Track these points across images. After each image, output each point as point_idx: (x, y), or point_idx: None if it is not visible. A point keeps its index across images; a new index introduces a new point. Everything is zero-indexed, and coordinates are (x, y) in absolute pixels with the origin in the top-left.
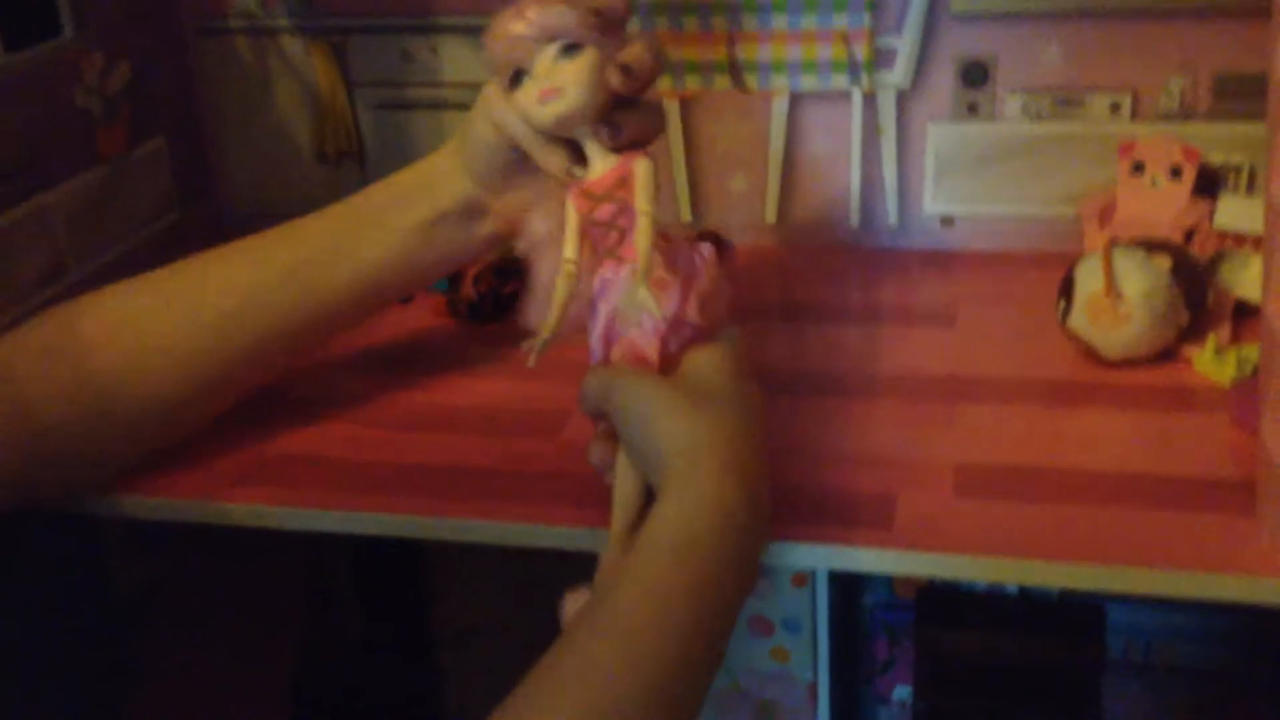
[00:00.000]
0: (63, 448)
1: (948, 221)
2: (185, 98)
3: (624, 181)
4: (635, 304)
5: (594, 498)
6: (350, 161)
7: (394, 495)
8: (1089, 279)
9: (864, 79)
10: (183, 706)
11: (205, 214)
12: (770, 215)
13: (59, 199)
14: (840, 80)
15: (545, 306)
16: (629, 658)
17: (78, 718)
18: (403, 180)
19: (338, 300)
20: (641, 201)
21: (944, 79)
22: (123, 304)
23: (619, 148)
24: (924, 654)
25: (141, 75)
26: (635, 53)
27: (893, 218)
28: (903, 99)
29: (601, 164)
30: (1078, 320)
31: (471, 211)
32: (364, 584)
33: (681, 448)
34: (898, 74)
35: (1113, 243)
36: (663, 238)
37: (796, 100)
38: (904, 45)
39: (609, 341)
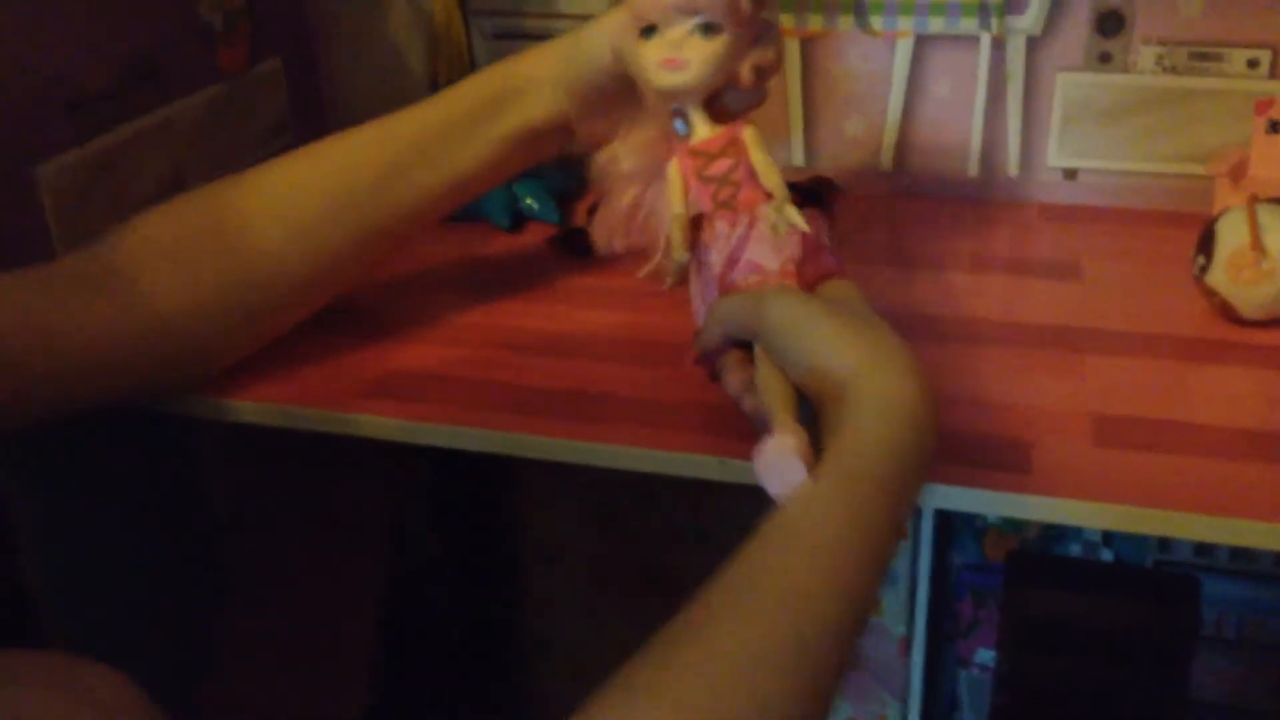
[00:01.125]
0: (176, 336)
1: (1071, 174)
2: (302, 19)
3: (734, 142)
4: (782, 221)
5: (722, 426)
6: None
7: (519, 415)
8: (1233, 234)
9: (994, 23)
10: (269, 620)
11: (317, 136)
12: (886, 162)
13: (181, 112)
14: (969, 24)
15: (616, 231)
16: (834, 588)
17: (167, 622)
18: (496, 82)
19: (428, 203)
20: (759, 153)
21: (1077, 27)
22: (225, 202)
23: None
24: (1011, 616)
25: None
26: (769, 57)
27: (1014, 168)
28: (1033, 46)
29: (705, 129)
30: (1218, 276)
31: (560, 128)
32: (452, 505)
33: (864, 361)
34: (1029, 19)
35: (1256, 199)
36: None
37: (922, 43)
38: None
39: (723, 285)
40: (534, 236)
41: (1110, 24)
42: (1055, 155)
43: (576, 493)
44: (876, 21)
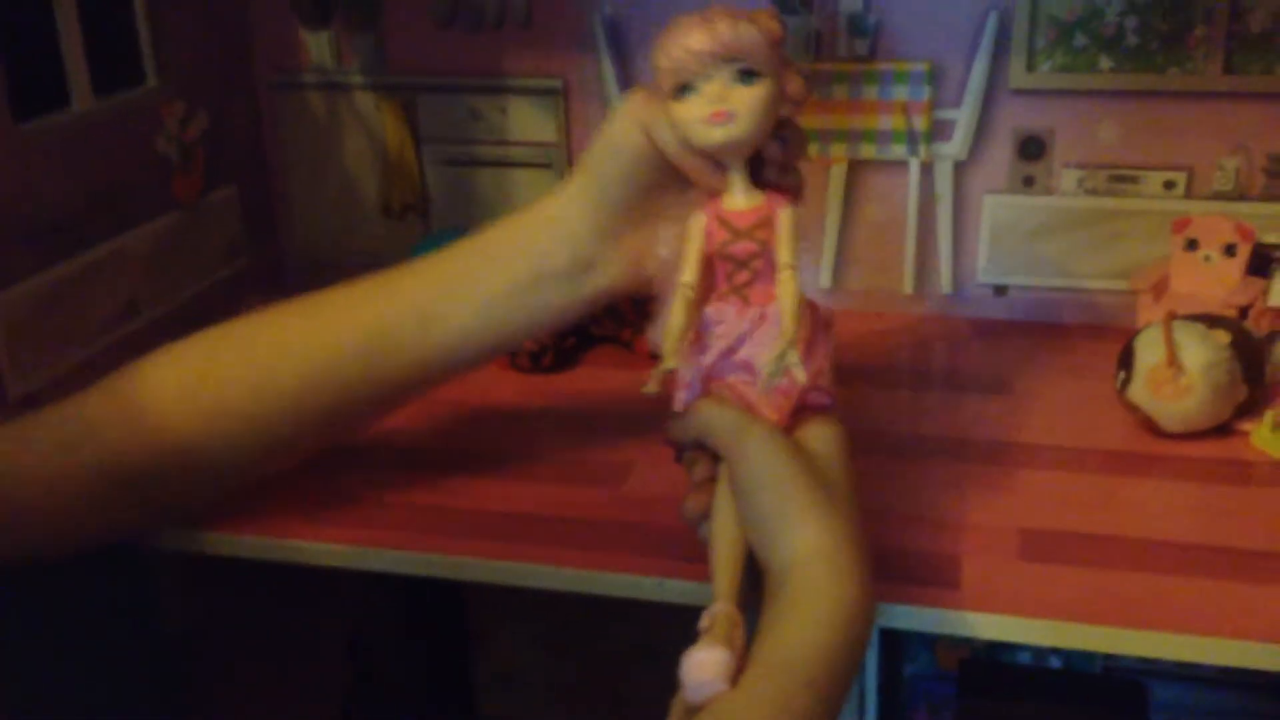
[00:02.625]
0: (148, 494)
1: (1001, 291)
2: (257, 148)
3: (766, 222)
4: (779, 365)
5: (657, 548)
6: (415, 215)
7: (460, 539)
8: (1150, 350)
9: (922, 149)
10: None
11: (269, 262)
12: (825, 280)
13: (137, 241)
14: (899, 150)
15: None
16: None
17: None
18: (503, 233)
19: (422, 368)
20: (786, 253)
21: (1001, 152)
22: (202, 367)
23: (767, 184)
24: None
25: (217, 124)
26: (798, 85)
27: (946, 286)
28: (960, 170)
29: (745, 198)
30: (1138, 391)
31: (580, 264)
32: (409, 626)
33: (815, 554)
34: (955, 145)
35: (1172, 316)
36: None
37: (855, 168)
38: (963, 118)
39: (710, 376)
40: None
41: (1032, 149)
42: (985, 273)
43: (532, 614)
44: (812, 149)
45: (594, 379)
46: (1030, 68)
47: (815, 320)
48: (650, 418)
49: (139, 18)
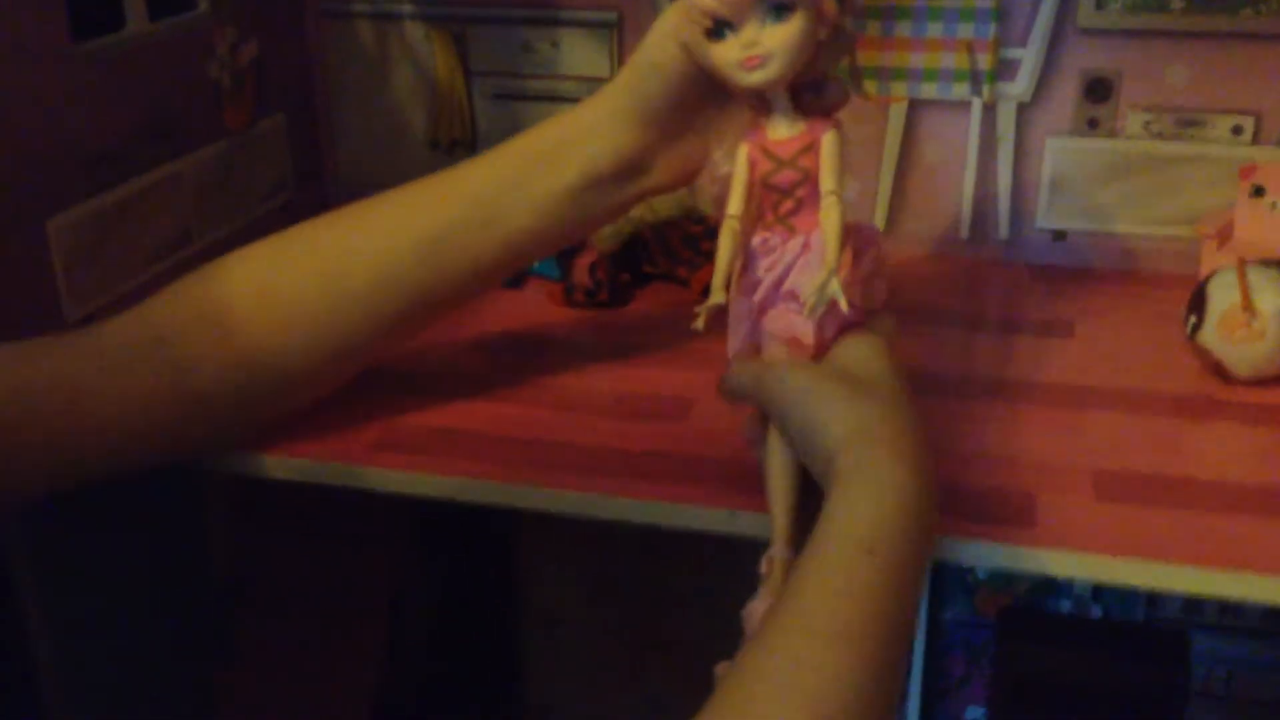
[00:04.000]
0: (215, 407)
1: (1060, 236)
2: (306, 77)
3: (809, 149)
4: (822, 293)
5: (725, 481)
6: (463, 150)
7: (523, 468)
8: (1224, 294)
9: (985, 89)
10: (271, 686)
11: (316, 194)
12: (880, 222)
13: (188, 167)
14: (961, 90)
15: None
16: (842, 658)
17: (167, 682)
18: (550, 136)
19: (483, 267)
20: (830, 179)
21: (1066, 93)
22: (273, 272)
23: (812, 111)
24: (1003, 672)
25: (267, 53)
26: (832, 5)
27: (1004, 230)
28: (1023, 111)
29: (788, 126)
30: (1209, 335)
31: (627, 169)
32: (451, 572)
33: (851, 436)
34: (1020, 85)
35: (1245, 260)
36: None
37: (915, 107)
38: (1028, 57)
39: (763, 309)
40: (534, 293)
41: (1098, 90)
42: (1044, 217)
43: (575, 557)
44: (871, 85)
45: (650, 316)
46: (1099, 6)
47: (861, 239)
48: (709, 355)
49: None
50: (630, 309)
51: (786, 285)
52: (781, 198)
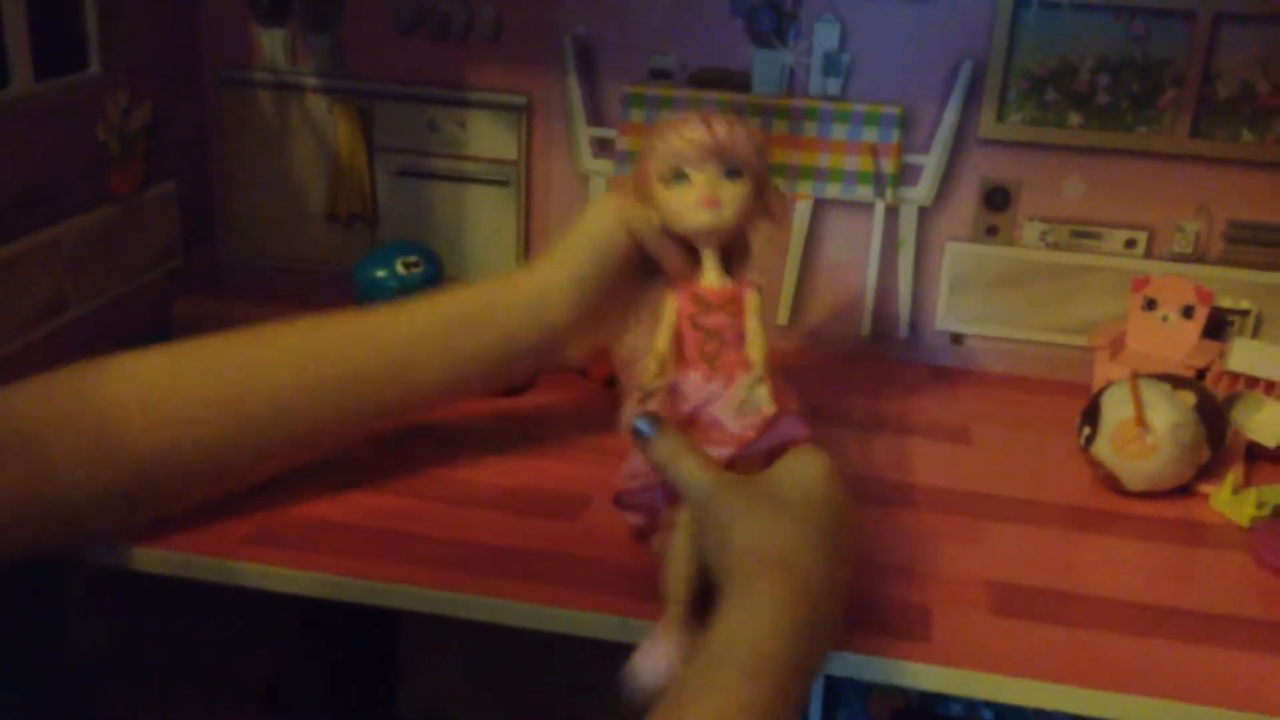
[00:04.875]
0: (83, 510)
1: (958, 339)
2: (201, 144)
3: (735, 300)
4: (750, 401)
5: (619, 585)
6: (361, 224)
7: (407, 566)
8: (1117, 407)
9: (889, 192)
10: None
11: (206, 263)
12: (782, 317)
13: (69, 232)
14: (865, 191)
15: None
16: None
17: None
18: (478, 300)
19: (385, 410)
20: (754, 321)
21: (967, 200)
22: (162, 383)
23: (734, 269)
24: None
25: (161, 117)
26: (779, 198)
27: (904, 330)
28: (924, 215)
29: (716, 277)
30: (1102, 448)
31: (546, 346)
32: (335, 664)
33: (747, 555)
34: (922, 190)
35: (1138, 374)
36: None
37: (820, 206)
38: (930, 163)
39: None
40: None
41: (997, 199)
42: (943, 319)
43: (459, 648)
44: (778, 184)
45: (547, 406)
46: (1001, 118)
47: (781, 376)
48: (607, 450)
49: (86, 2)
50: (527, 399)
51: (707, 413)
52: (707, 338)
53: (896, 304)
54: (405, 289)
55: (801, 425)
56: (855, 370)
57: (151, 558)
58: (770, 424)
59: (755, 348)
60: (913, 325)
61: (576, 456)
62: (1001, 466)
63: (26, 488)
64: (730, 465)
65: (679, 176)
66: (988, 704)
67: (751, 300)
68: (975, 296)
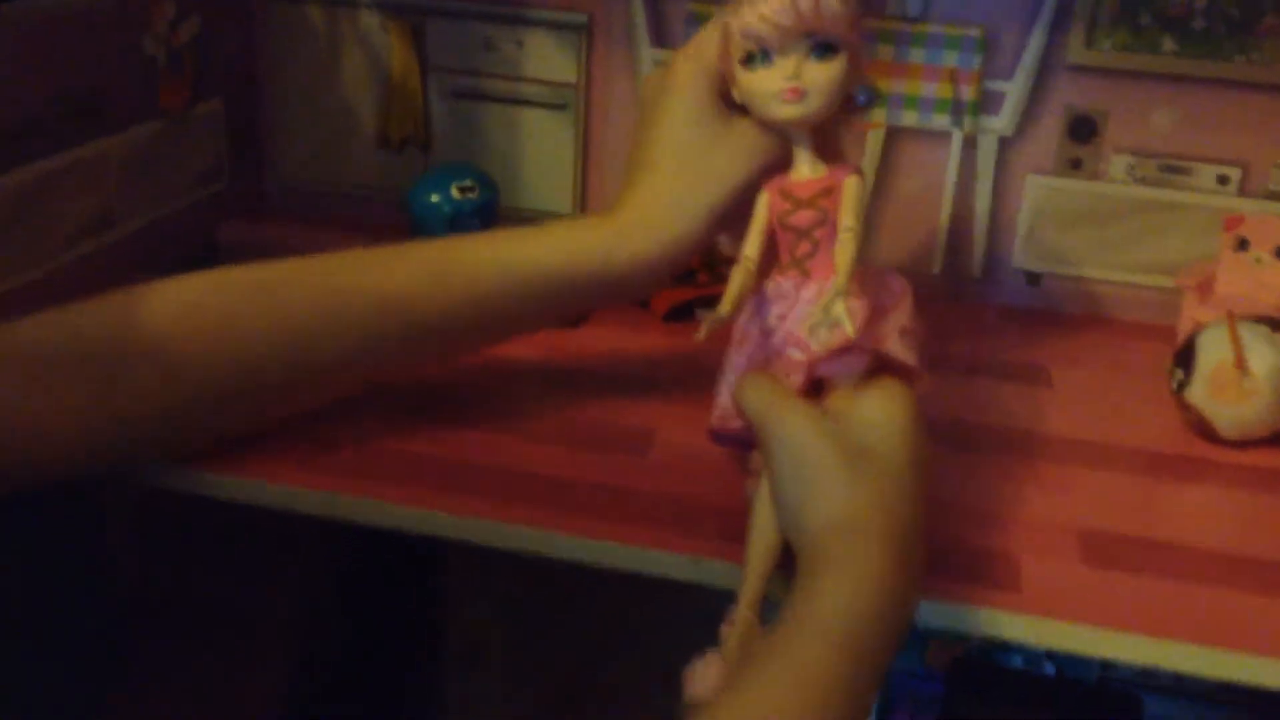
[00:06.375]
0: (145, 425)
1: (1034, 279)
2: (249, 62)
3: (829, 192)
4: (828, 318)
5: (689, 523)
6: (414, 149)
7: (463, 496)
8: (1215, 350)
9: (967, 121)
10: (171, 707)
11: (252, 186)
12: None
13: (116, 146)
14: (942, 119)
15: None
16: None
17: (66, 700)
18: (561, 262)
19: (447, 352)
20: (849, 217)
21: (1050, 131)
22: (207, 292)
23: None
24: None
25: (209, 32)
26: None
27: (977, 269)
28: (1004, 146)
29: (809, 169)
30: (1197, 392)
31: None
32: (369, 598)
33: (839, 521)
34: (1003, 120)
35: (1234, 316)
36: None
37: (893, 135)
38: (1013, 91)
39: (769, 355)
40: None
41: (1083, 130)
42: (1020, 257)
43: (503, 590)
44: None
45: (604, 338)
46: (1089, 44)
47: (880, 284)
48: (670, 382)
49: None
50: (584, 330)
51: (796, 331)
52: (798, 239)
53: (971, 240)
54: (459, 214)
55: (859, 361)
56: (926, 309)
57: (205, 480)
58: (835, 353)
59: (842, 251)
60: (987, 263)
61: (640, 390)
62: (1086, 410)
63: (90, 403)
64: (805, 392)
65: (757, 58)
66: (1049, 656)
67: (850, 190)
68: (1055, 233)
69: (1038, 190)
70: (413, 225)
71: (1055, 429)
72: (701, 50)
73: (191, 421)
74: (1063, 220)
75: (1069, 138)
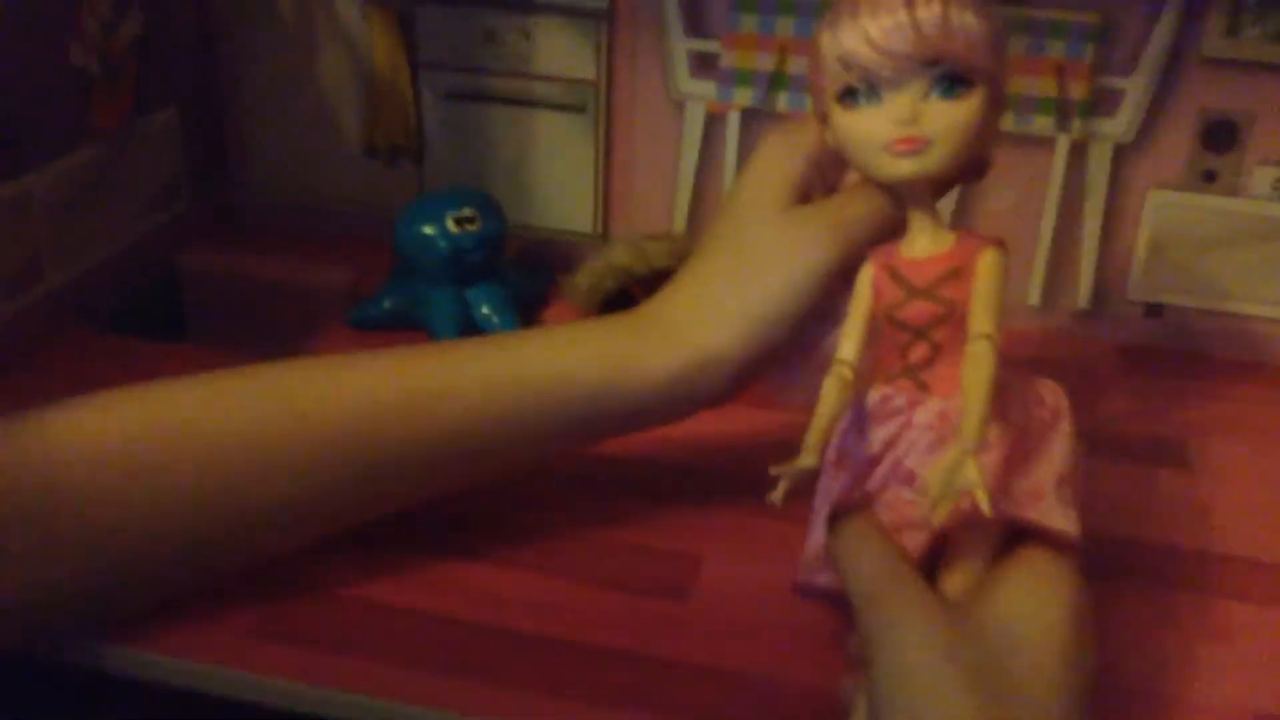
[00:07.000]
0: (39, 597)
1: (1155, 311)
2: (207, 61)
3: (957, 275)
4: (948, 482)
5: (742, 706)
6: (406, 159)
7: (416, 670)
8: None
9: (1076, 124)
10: None
11: (219, 207)
12: None
13: (41, 183)
14: (1045, 123)
15: (812, 393)
16: None
17: None
18: (580, 377)
19: (425, 492)
20: (983, 318)
21: (1179, 137)
22: (119, 429)
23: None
24: None
25: (155, 30)
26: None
27: (1084, 299)
28: (1121, 155)
29: (928, 240)
30: None
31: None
32: None
33: None
34: (1120, 123)
35: None
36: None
37: None
38: (1133, 89)
39: (873, 486)
40: None
41: (1220, 136)
42: (1138, 288)
43: None
44: None
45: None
46: (1231, 32)
47: (1037, 410)
48: (725, 488)
49: None
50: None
51: (907, 463)
52: (912, 339)
53: (1078, 266)
54: (459, 251)
55: (995, 528)
56: (1018, 349)
57: (129, 659)
58: (963, 514)
59: (974, 374)
60: (1097, 292)
61: (681, 496)
62: (1242, 506)
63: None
64: (928, 554)
65: (862, 93)
66: None
67: (986, 275)
68: (1182, 258)
69: (1162, 208)
70: (403, 263)
71: (1201, 538)
72: (800, 134)
73: (99, 591)
74: (1192, 244)
75: (1202, 146)
